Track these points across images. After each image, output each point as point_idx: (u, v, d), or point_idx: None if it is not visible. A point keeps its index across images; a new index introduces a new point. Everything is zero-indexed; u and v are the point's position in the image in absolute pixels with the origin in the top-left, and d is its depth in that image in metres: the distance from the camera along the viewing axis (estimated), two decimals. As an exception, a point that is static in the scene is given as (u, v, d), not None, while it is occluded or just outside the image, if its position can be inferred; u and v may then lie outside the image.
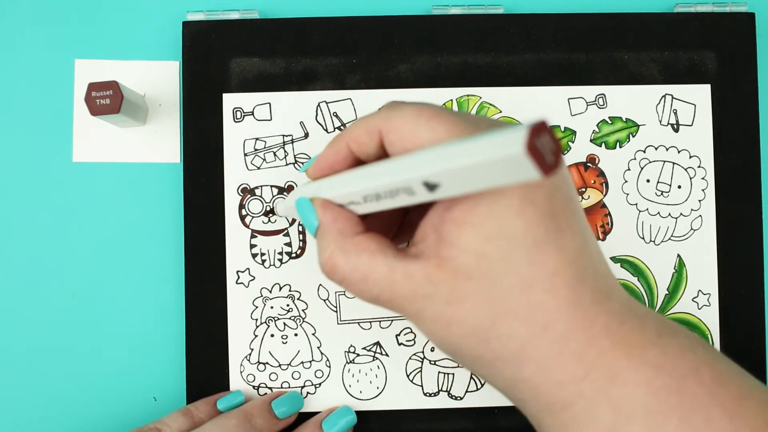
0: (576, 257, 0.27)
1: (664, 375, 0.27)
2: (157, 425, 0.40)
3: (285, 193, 0.44)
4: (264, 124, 0.45)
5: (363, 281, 0.29)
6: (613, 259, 0.45)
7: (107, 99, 0.40)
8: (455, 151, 0.25)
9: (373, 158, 0.31)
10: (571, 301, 0.27)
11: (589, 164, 0.45)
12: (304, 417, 0.44)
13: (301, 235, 0.44)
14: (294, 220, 0.44)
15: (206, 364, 0.44)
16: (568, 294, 0.27)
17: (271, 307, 0.44)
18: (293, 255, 0.44)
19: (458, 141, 0.25)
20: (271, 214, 0.44)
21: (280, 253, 0.44)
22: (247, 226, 0.44)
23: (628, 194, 0.45)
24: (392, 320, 0.44)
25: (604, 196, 0.45)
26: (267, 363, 0.44)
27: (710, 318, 0.44)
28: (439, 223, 0.28)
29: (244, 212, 0.44)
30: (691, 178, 0.45)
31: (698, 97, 0.45)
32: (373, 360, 0.44)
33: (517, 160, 0.22)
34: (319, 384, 0.44)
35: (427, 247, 0.28)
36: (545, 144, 0.22)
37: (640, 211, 0.45)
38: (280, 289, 0.44)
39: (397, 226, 0.36)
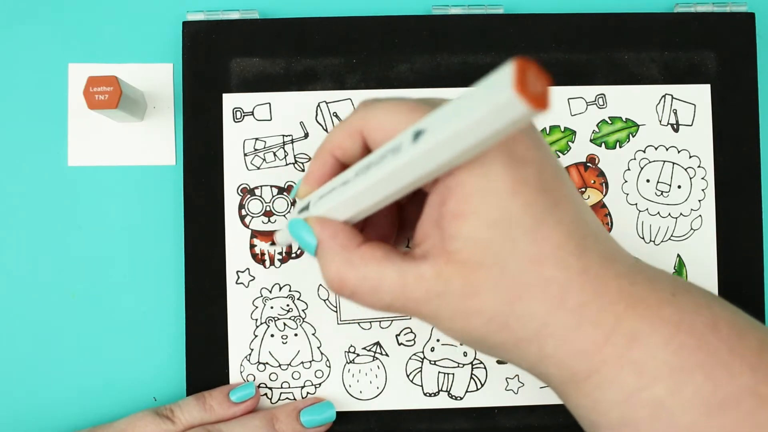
0: (576, 227, 0.28)
1: (683, 333, 0.27)
2: (172, 407, 0.41)
3: (285, 193, 0.44)
4: (264, 124, 0.45)
5: (374, 291, 0.29)
6: (613, 259, 0.45)
7: (106, 94, 0.40)
8: (438, 119, 0.25)
9: (358, 159, 0.31)
10: (580, 271, 0.27)
11: (589, 164, 0.45)
12: (304, 417, 0.44)
13: (301, 235, 0.44)
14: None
15: (206, 364, 0.44)
16: (576, 264, 0.27)
17: (271, 307, 0.44)
18: (293, 255, 0.44)
19: (441, 108, 0.25)
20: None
21: (280, 253, 0.44)
22: (247, 227, 0.44)
23: (628, 194, 0.45)
24: (392, 320, 0.44)
25: (604, 196, 0.45)
26: (267, 363, 0.44)
27: (710, 318, 0.44)
28: (437, 218, 0.28)
29: (243, 212, 0.44)
30: (690, 178, 0.45)
31: (698, 97, 0.45)
32: (373, 360, 0.44)
33: (508, 102, 0.22)
34: (319, 384, 0.44)
35: (431, 246, 0.28)
36: (532, 78, 0.22)
37: (640, 211, 0.45)
38: (280, 289, 0.44)
39: (394, 232, 0.36)
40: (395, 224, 0.35)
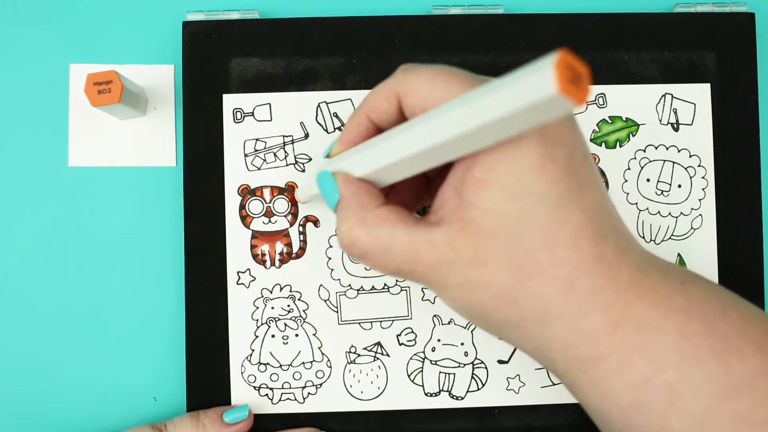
0: (596, 214, 0.28)
1: (693, 319, 0.27)
2: (166, 423, 0.41)
3: (285, 194, 0.44)
4: (264, 124, 0.45)
5: (384, 253, 0.29)
6: (614, 258, 0.45)
7: (108, 90, 0.40)
8: (479, 104, 0.24)
9: (393, 124, 0.31)
10: (595, 257, 0.27)
11: (589, 164, 0.45)
12: (304, 418, 0.44)
13: (301, 236, 0.44)
14: (294, 220, 0.44)
15: (207, 365, 0.44)
16: (592, 250, 0.27)
17: (272, 308, 0.44)
18: (294, 255, 0.44)
19: (481, 91, 0.25)
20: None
21: (281, 254, 0.44)
22: (248, 227, 0.44)
23: (628, 193, 0.45)
24: (393, 320, 0.44)
25: (605, 195, 0.45)
26: (268, 363, 0.44)
27: (710, 317, 0.45)
28: (459, 185, 0.28)
29: (244, 213, 0.44)
30: (691, 177, 0.45)
31: (698, 96, 0.45)
32: (374, 360, 0.44)
33: (551, 100, 0.22)
34: (320, 384, 0.44)
35: (447, 213, 0.28)
36: (571, 70, 0.22)
37: (640, 210, 0.45)
38: (281, 289, 0.44)
39: (420, 199, 0.35)
40: (420, 195, 0.35)
